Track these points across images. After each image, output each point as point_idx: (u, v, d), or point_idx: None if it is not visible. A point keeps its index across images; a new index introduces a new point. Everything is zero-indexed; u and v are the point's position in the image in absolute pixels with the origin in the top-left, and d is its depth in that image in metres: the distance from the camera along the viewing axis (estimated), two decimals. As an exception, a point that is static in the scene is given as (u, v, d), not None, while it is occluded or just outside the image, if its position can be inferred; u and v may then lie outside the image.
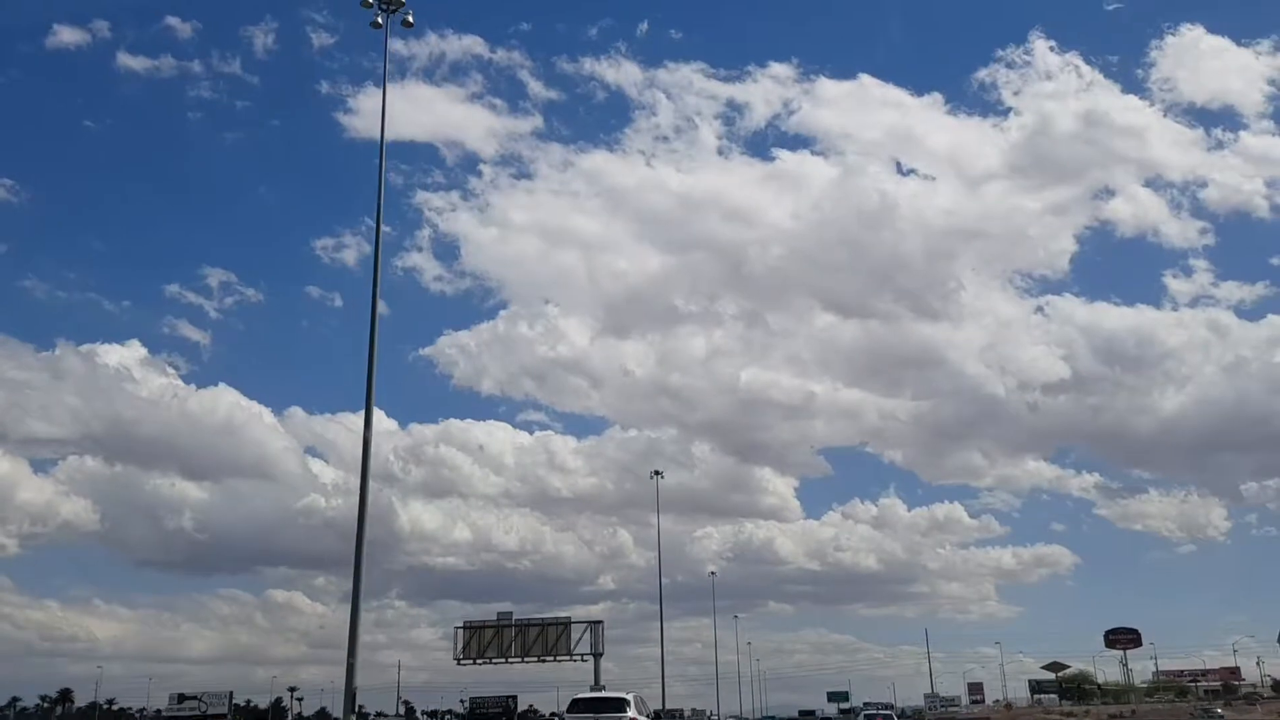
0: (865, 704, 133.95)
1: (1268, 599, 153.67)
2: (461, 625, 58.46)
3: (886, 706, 46.99)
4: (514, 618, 58.35)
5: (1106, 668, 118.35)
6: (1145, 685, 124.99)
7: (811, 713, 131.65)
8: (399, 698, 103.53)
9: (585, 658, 57.67)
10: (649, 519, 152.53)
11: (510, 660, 57.64)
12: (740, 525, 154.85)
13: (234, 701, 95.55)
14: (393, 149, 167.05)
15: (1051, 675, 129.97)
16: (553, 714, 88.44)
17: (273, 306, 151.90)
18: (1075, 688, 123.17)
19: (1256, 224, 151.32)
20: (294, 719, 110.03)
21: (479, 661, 57.32)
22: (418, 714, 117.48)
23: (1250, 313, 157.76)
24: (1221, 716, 52.12)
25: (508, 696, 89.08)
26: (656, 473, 66.46)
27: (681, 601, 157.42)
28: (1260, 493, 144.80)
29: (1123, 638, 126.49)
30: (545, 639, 56.96)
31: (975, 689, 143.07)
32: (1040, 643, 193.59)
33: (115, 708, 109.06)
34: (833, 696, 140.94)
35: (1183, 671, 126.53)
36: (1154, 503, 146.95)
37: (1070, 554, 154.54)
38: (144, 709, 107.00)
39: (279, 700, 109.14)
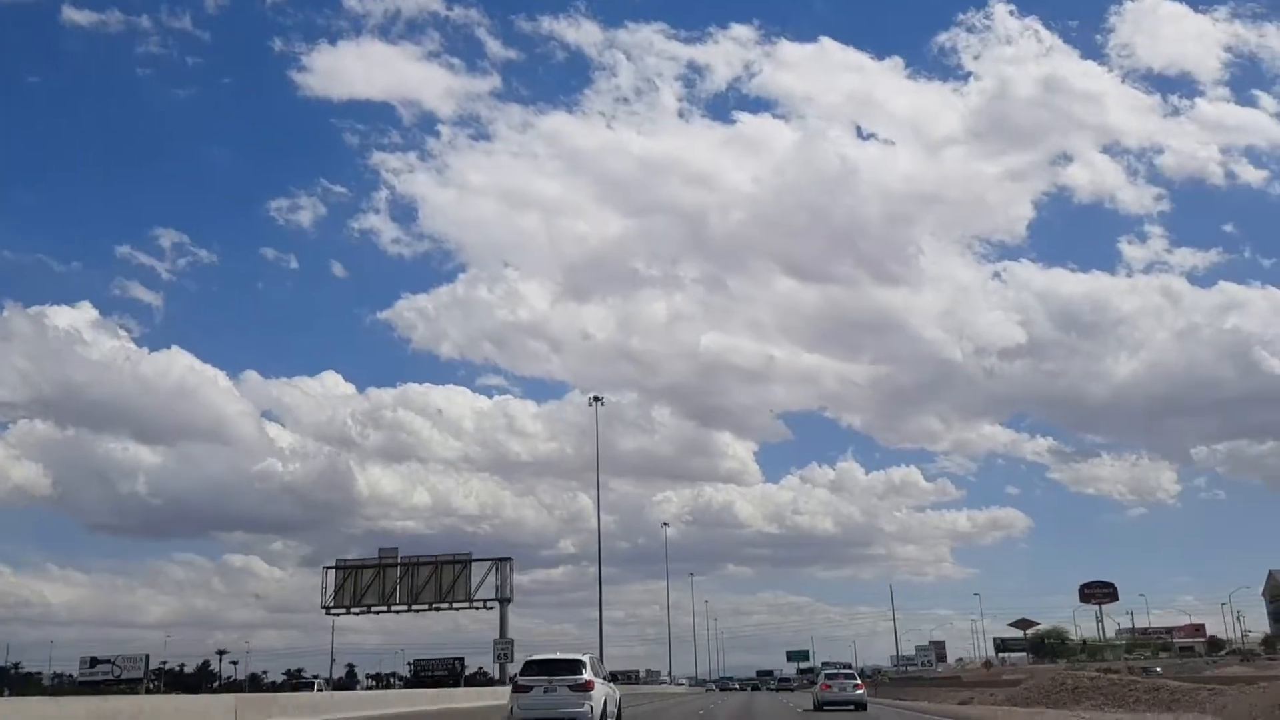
0: (824, 664, 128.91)
1: (1214, 560, 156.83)
2: (334, 565, 47.02)
3: (846, 666, 39.99)
4: (400, 555, 46.96)
5: (1073, 625, 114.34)
6: (1123, 642, 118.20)
7: (770, 673, 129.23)
8: (331, 659, 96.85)
9: (490, 604, 46.65)
10: (611, 484, 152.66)
11: (394, 608, 46.40)
12: (700, 489, 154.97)
13: (165, 666, 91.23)
14: (348, 108, 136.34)
15: (1019, 633, 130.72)
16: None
17: (227, 268, 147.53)
18: (1044, 644, 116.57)
19: (1211, 191, 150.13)
20: (223, 683, 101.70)
21: (354, 610, 46.04)
22: (359, 676, 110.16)
23: (1203, 279, 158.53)
24: (1160, 673, 49.64)
25: (454, 659, 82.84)
26: (596, 399, 57.85)
27: (641, 564, 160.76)
28: (1209, 456, 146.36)
29: (1098, 592, 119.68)
30: (439, 582, 45.86)
31: (938, 647, 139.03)
32: (996, 603, 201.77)
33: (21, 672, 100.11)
34: (792, 656, 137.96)
35: (1147, 629, 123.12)
36: (1106, 466, 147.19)
37: (1024, 517, 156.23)
38: (59, 674, 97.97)
39: (205, 664, 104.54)
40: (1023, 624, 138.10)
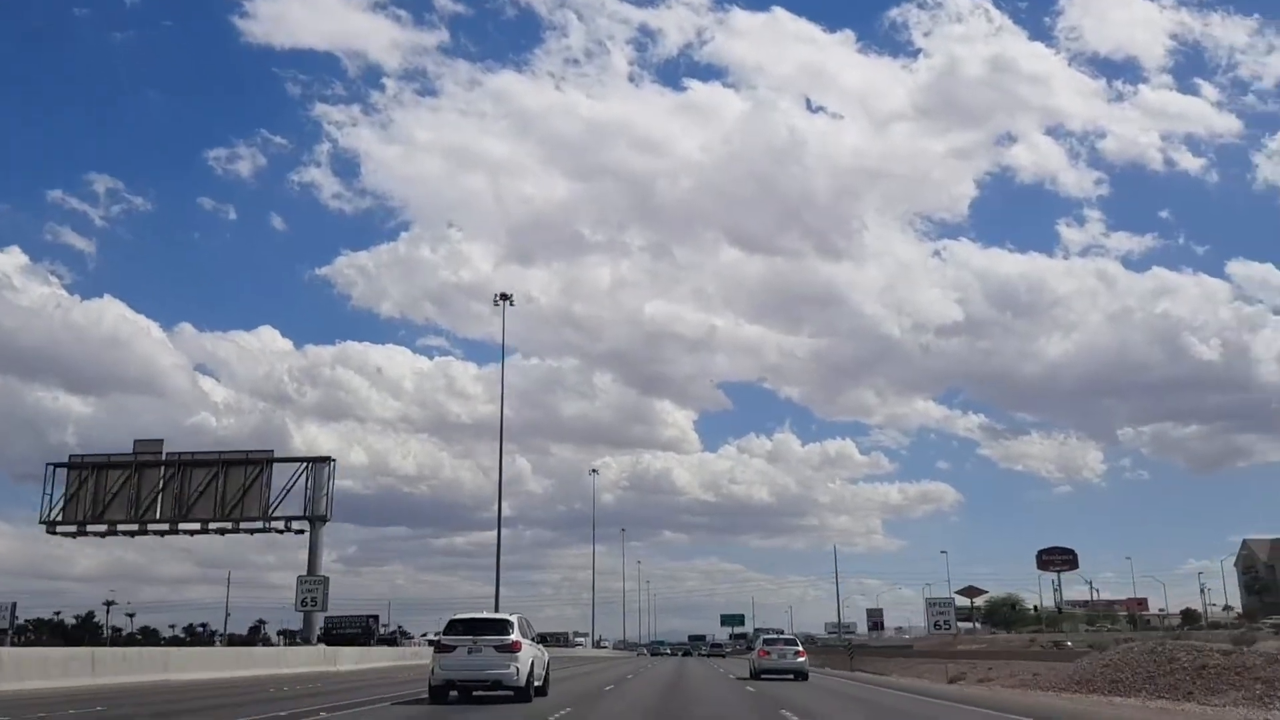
0: (756, 630, 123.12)
1: (1136, 537, 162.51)
2: (64, 463, 32.64)
3: (779, 632, 38.98)
4: (164, 451, 32.75)
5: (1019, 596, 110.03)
6: (1083, 613, 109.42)
7: (702, 638, 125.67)
8: (226, 613, 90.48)
9: (296, 526, 33.02)
10: (549, 448, 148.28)
11: (152, 528, 32.38)
12: (639, 456, 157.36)
13: (58, 617, 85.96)
14: (291, 57, 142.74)
15: (965, 601, 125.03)
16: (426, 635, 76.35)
17: (162, 217, 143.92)
18: (997, 613, 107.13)
19: (1150, 176, 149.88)
20: (110, 635, 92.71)
21: (91, 530, 31.92)
22: (264, 632, 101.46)
23: (1137, 264, 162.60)
24: (1071, 647, 48.08)
25: (368, 616, 77.14)
26: (503, 297, 48.74)
27: (578, 529, 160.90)
28: (1135, 437, 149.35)
29: (1057, 558, 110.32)
30: (221, 492, 31.97)
31: (875, 615, 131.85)
32: (922, 574, 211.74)
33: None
34: (726, 620, 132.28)
35: (1089, 601, 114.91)
36: (1035, 444, 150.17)
37: (954, 491, 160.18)
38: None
39: (90, 614, 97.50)
40: (970, 592, 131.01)
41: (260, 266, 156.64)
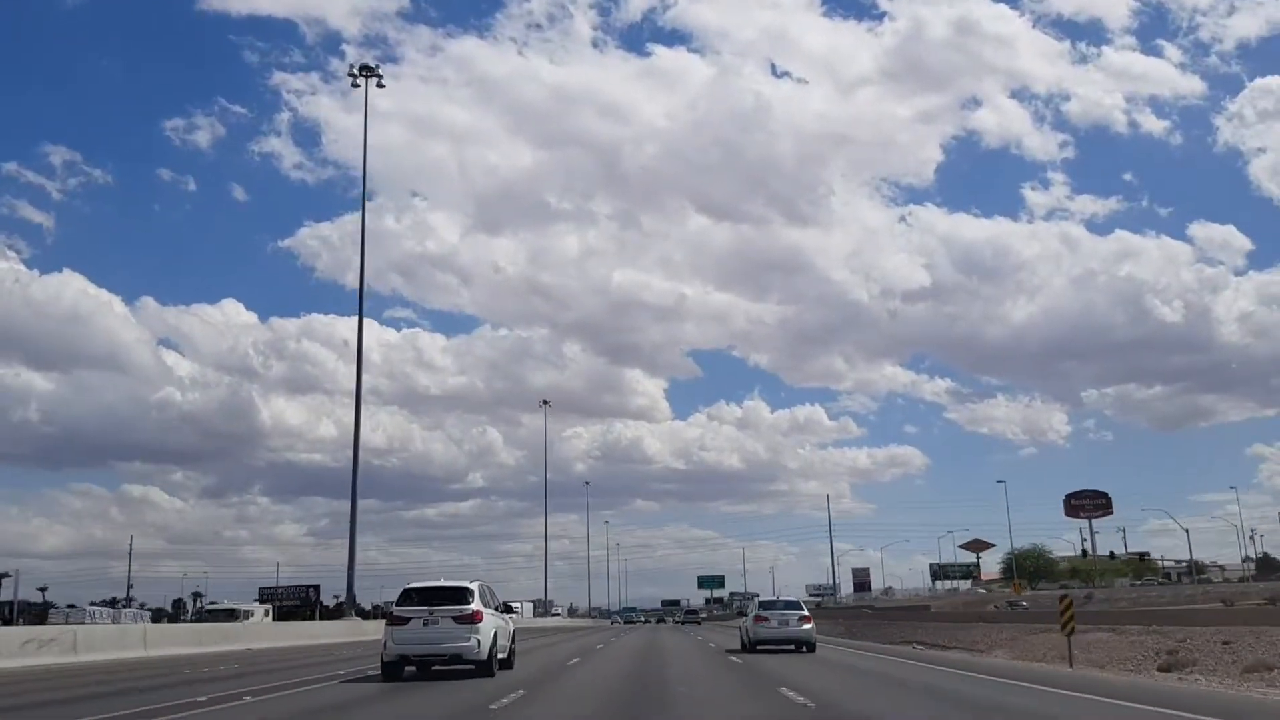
0: (735, 594, 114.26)
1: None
2: None
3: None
4: None
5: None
6: (1119, 563, 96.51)
7: (676, 603, 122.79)
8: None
9: None
10: (520, 418, 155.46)
11: None
12: (610, 425, 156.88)
13: None
14: (249, 24, 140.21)
15: (972, 557, 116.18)
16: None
17: (121, 189, 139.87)
18: (1019, 567, 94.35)
19: (1114, 138, 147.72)
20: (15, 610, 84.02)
21: None
22: (223, 606, 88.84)
23: (1101, 227, 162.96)
24: (1026, 607, 45.76)
25: (309, 586, 76.07)
26: (365, 69, 45.41)
27: (550, 498, 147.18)
28: (1099, 399, 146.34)
29: (1088, 503, 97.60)
30: None
31: (861, 574, 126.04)
32: (888, 538, 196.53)
33: None
34: (704, 583, 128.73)
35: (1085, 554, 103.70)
36: (1000, 407, 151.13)
37: (921, 455, 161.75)
38: None
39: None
40: (976, 545, 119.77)
41: (222, 238, 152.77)
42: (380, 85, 46.86)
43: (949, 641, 28.70)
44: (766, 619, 24.28)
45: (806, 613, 24.81)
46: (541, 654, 24.04)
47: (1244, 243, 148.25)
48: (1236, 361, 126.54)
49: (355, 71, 46.07)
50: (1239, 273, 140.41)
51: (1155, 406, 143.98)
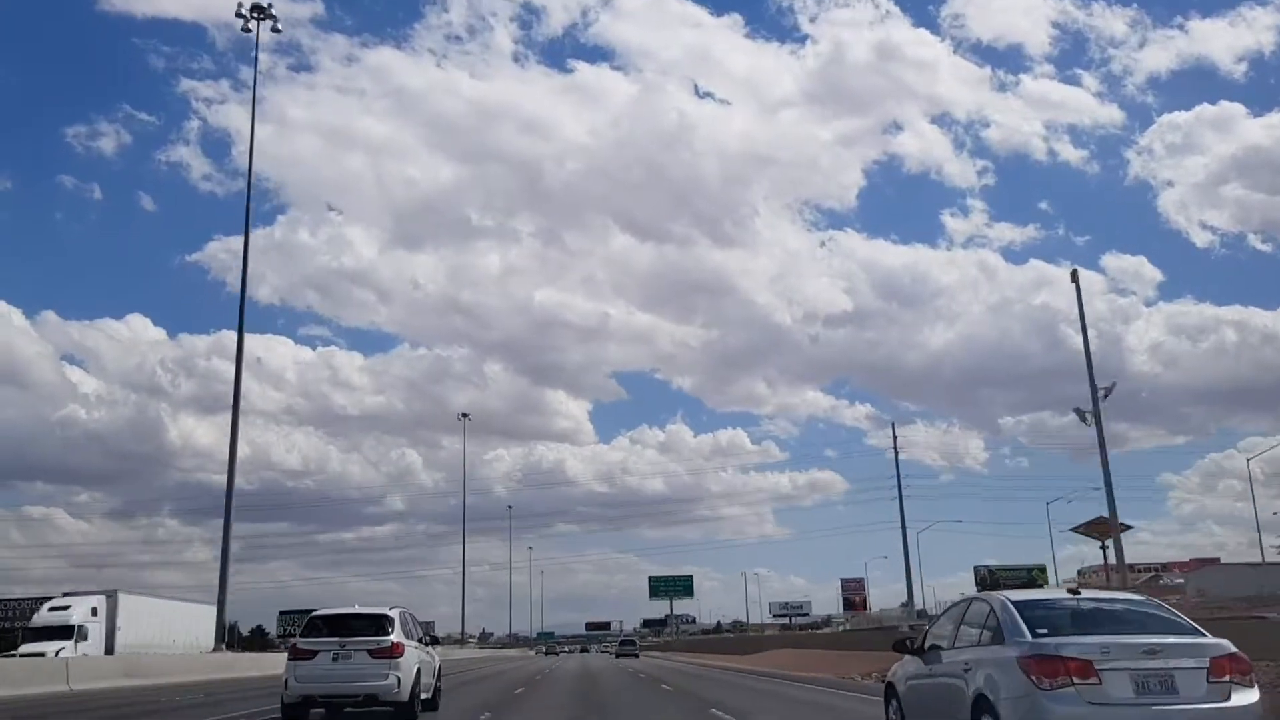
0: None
1: (1013, 521, 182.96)
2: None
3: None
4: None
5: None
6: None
7: (606, 625, 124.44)
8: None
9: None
10: (440, 440, 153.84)
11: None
12: (532, 447, 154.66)
13: None
14: (155, 27, 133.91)
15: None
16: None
17: (21, 197, 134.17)
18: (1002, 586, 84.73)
19: (1033, 166, 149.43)
20: None
21: None
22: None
23: (1017, 255, 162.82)
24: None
25: (35, 599, 60.17)
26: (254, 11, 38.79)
27: (470, 522, 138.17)
28: (1014, 426, 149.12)
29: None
30: None
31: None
32: (812, 564, 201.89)
33: None
34: (660, 587, 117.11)
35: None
36: (920, 433, 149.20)
37: (841, 479, 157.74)
38: None
39: None
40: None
41: (129, 251, 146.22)
42: (276, 30, 41.23)
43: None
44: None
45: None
46: (470, 690, 22.43)
47: (1155, 273, 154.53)
48: (1147, 390, 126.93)
49: (246, 13, 39.90)
50: (1149, 303, 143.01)
51: (1070, 434, 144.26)
